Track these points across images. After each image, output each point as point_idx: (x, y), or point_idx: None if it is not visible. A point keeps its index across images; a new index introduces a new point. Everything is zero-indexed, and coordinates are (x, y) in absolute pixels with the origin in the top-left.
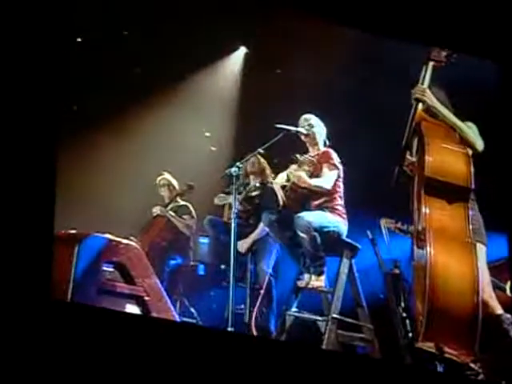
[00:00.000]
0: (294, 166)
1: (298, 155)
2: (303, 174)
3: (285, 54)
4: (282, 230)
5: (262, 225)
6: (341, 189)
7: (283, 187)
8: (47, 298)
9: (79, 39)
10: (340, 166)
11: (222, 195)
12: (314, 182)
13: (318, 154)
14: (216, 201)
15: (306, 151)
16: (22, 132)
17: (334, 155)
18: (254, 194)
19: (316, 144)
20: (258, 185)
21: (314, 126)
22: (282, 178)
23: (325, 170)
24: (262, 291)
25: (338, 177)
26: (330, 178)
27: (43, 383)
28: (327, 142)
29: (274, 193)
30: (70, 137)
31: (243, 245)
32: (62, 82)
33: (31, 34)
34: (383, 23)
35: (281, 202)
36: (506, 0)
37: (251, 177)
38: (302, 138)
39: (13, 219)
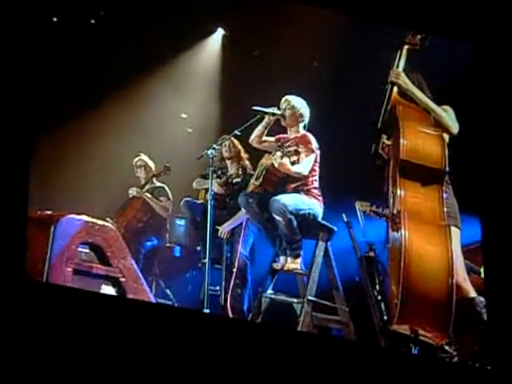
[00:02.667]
0: (278, 153)
1: (279, 141)
2: (288, 163)
3: (262, 36)
4: (259, 212)
5: (242, 211)
6: (316, 172)
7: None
8: (22, 278)
9: (55, 19)
10: (317, 151)
11: (199, 179)
12: (295, 168)
13: (296, 137)
14: (194, 185)
15: (285, 132)
16: None
17: (313, 139)
18: (235, 180)
19: (295, 126)
20: (240, 172)
21: (294, 107)
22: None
23: (302, 154)
24: (235, 269)
25: (315, 161)
26: (307, 163)
27: (19, 364)
28: (306, 125)
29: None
30: (46, 118)
31: (223, 231)
32: (38, 66)
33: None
34: (359, 6)
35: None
36: None
37: (228, 161)
38: (281, 119)
39: None
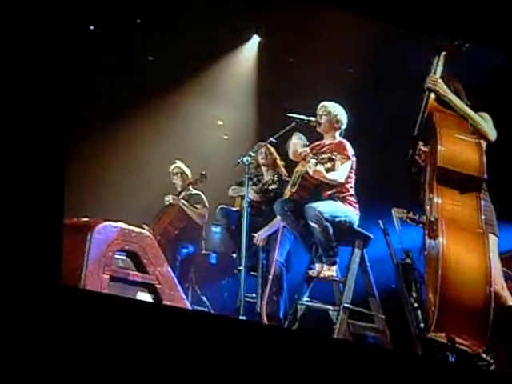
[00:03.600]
0: (313, 160)
1: (314, 149)
2: (323, 170)
3: (298, 43)
4: (294, 219)
5: (277, 218)
6: (352, 179)
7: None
8: (58, 286)
9: (91, 27)
10: (353, 158)
11: (235, 187)
12: (330, 176)
13: (331, 144)
14: (230, 192)
15: (321, 139)
16: (31, 117)
17: (348, 146)
18: (271, 187)
19: (330, 132)
20: (276, 179)
21: (330, 113)
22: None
23: (338, 162)
24: (270, 277)
25: (351, 168)
26: (343, 170)
27: (56, 371)
28: (343, 132)
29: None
30: (82, 123)
31: (259, 238)
32: (74, 68)
33: (40, 29)
34: (395, 12)
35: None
36: None
37: (263, 168)
38: (316, 126)
39: (23, 206)
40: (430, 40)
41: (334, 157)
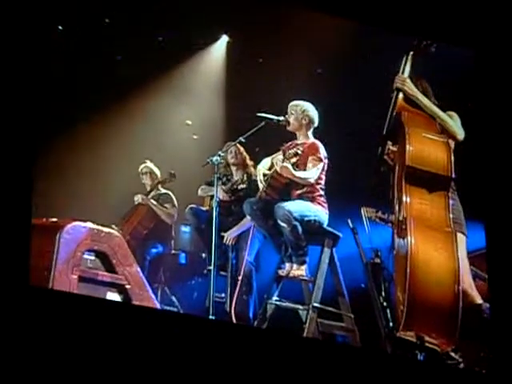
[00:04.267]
0: (280, 157)
1: (286, 149)
2: (289, 166)
3: (266, 43)
4: (264, 219)
5: (247, 218)
6: (323, 180)
7: (264, 175)
8: (28, 286)
9: (60, 27)
10: (325, 160)
11: (204, 186)
12: (299, 174)
13: (304, 144)
14: (200, 192)
15: (293, 138)
16: None
17: (321, 148)
18: (240, 187)
19: (301, 130)
20: (245, 178)
21: (297, 111)
22: (266, 163)
23: (310, 163)
24: (240, 277)
25: (322, 169)
26: (314, 171)
27: (25, 372)
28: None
29: (256, 183)
30: (50, 123)
31: (228, 237)
32: (42, 75)
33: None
34: (363, 12)
35: (260, 189)
36: None
37: (233, 168)
38: (286, 125)
39: None
40: (398, 40)
41: (299, 151)
